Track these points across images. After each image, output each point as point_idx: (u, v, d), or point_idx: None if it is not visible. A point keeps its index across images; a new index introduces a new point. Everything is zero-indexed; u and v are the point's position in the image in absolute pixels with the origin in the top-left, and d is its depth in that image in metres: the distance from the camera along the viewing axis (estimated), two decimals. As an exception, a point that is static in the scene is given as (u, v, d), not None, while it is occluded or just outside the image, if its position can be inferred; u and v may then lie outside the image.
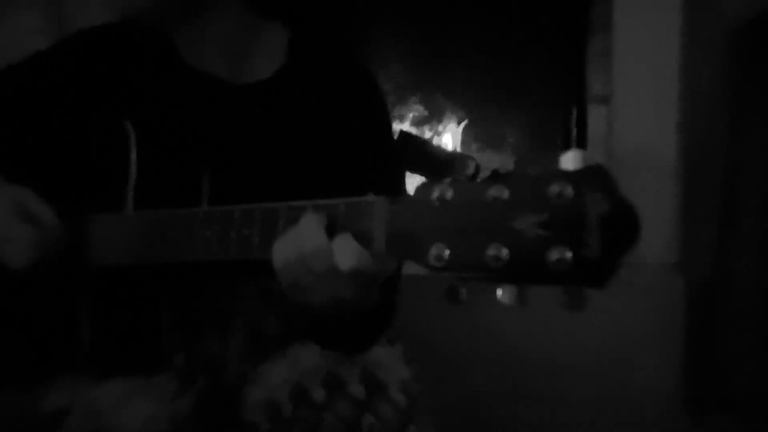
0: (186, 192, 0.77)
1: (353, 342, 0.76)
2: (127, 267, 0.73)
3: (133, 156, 0.75)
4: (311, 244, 0.53)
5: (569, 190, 0.40)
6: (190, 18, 0.77)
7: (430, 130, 2.07)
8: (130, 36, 0.83)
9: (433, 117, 2.06)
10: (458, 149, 2.07)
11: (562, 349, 1.53)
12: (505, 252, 0.42)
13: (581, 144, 1.90)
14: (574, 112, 1.89)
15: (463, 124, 2.03)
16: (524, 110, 2.02)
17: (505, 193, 0.42)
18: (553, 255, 0.40)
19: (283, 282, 0.58)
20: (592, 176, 0.40)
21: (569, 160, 0.42)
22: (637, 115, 1.65)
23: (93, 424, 0.79)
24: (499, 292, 0.44)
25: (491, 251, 0.43)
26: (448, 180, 0.46)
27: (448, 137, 2.05)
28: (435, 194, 0.46)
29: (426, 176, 1.97)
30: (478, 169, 0.45)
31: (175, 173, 0.77)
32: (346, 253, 0.51)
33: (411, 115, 2.04)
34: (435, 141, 2.07)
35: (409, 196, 0.48)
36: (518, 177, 0.43)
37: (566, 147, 1.98)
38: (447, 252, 0.45)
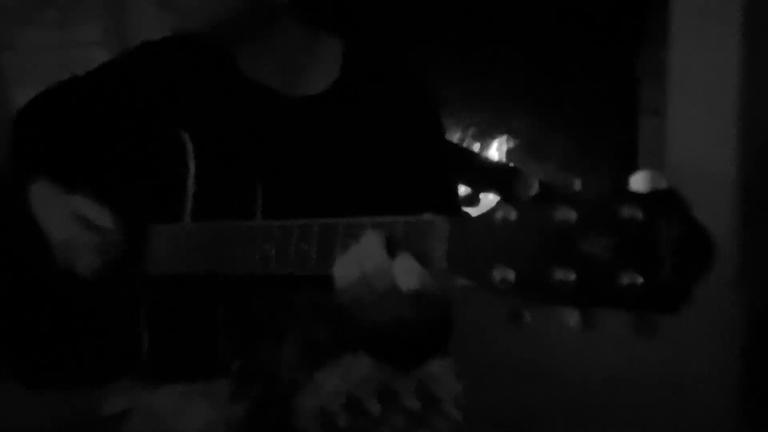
0: (240, 202, 0.78)
1: (410, 358, 0.76)
2: (185, 275, 0.74)
3: (192, 166, 0.77)
4: (372, 263, 0.54)
5: (640, 213, 0.39)
6: (250, 33, 0.79)
7: (478, 141, 2.06)
8: (191, 48, 0.85)
9: (481, 129, 2.05)
10: (505, 161, 2.05)
11: (617, 367, 1.50)
12: (572, 275, 0.41)
13: (632, 156, 1.86)
14: (625, 124, 1.85)
15: (509, 137, 2.01)
16: (572, 122, 1.99)
17: (573, 215, 0.42)
18: (624, 279, 0.39)
19: (344, 299, 0.59)
20: (664, 199, 0.39)
21: (639, 182, 0.41)
22: (694, 126, 1.60)
23: (152, 427, 0.81)
24: (564, 314, 0.43)
25: (558, 274, 0.42)
26: (511, 200, 0.45)
27: (495, 149, 2.04)
28: (498, 215, 0.45)
29: (473, 188, 1.96)
30: (540, 188, 0.44)
31: (231, 183, 0.79)
32: (408, 273, 0.51)
33: (460, 126, 2.04)
34: (482, 152, 2.06)
35: (471, 216, 0.48)
36: (586, 199, 0.42)
37: (616, 159, 1.94)
38: (511, 274, 0.44)
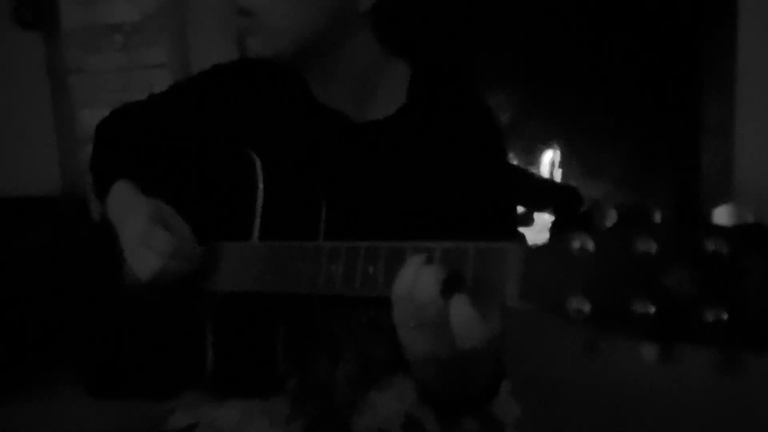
0: (305, 223, 0.78)
1: (457, 404, 0.74)
2: (249, 293, 0.75)
3: (261, 185, 0.78)
4: (425, 297, 0.53)
5: (726, 248, 0.38)
6: (321, 55, 0.79)
7: (531, 156, 2.04)
8: (262, 71, 0.87)
9: (534, 144, 2.03)
10: (559, 178, 2.02)
11: (687, 398, 1.44)
12: (652, 308, 0.41)
13: (694, 174, 1.81)
14: (687, 141, 1.80)
15: (562, 153, 1.98)
16: (630, 138, 1.95)
17: (653, 247, 0.41)
18: (708, 315, 0.38)
19: (394, 319, 0.59)
20: (751, 234, 0.38)
21: (723, 215, 0.40)
22: (764, 144, 1.54)
23: None
24: (642, 348, 0.43)
25: (637, 307, 0.41)
26: (587, 229, 0.45)
27: (548, 165, 2.01)
28: (575, 244, 0.45)
29: (527, 208, 1.94)
30: (619, 218, 0.44)
31: (297, 204, 0.80)
32: (465, 329, 0.51)
33: (513, 141, 2.02)
34: (534, 168, 2.04)
35: (546, 244, 0.47)
36: (667, 230, 0.41)
37: (676, 177, 1.89)
38: (587, 305, 0.43)
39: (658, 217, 0.42)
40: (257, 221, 0.77)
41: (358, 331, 0.82)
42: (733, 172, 1.58)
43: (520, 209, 1.95)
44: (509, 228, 0.88)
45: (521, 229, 1.83)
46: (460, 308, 0.52)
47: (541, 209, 1.93)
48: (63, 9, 2.14)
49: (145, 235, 0.73)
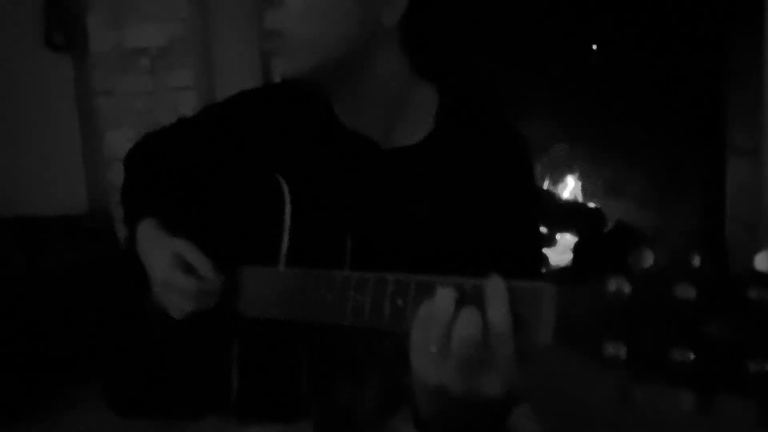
0: (332, 248, 0.78)
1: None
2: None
3: (288, 210, 0.78)
4: (464, 332, 0.53)
5: (768, 296, 0.37)
6: (348, 76, 0.79)
7: (554, 176, 2.03)
8: (289, 96, 0.87)
9: (558, 165, 2.02)
10: (582, 198, 2.01)
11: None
12: (690, 356, 0.40)
13: (720, 195, 1.78)
14: (712, 163, 1.77)
15: (585, 173, 1.97)
16: (653, 160, 1.93)
17: (692, 293, 0.40)
18: (752, 366, 0.37)
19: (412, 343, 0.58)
20: (796, 282, 0.37)
21: (765, 261, 0.39)
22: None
23: None
24: (679, 396, 0.42)
25: (674, 354, 0.40)
26: (624, 272, 0.44)
27: (570, 185, 2.00)
28: (611, 287, 0.44)
29: (550, 229, 1.92)
30: (655, 261, 0.43)
31: (323, 229, 0.79)
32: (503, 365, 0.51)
33: (535, 163, 2.01)
34: (557, 189, 2.02)
35: (581, 286, 0.46)
36: (707, 277, 0.40)
37: (701, 201, 1.86)
38: (624, 350, 0.42)
39: (696, 261, 0.41)
40: (284, 246, 0.77)
41: (382, 355, 0.81)
42: (761, 193, 1.55)
43: (543, 230, 1.93)
44: (535, 254, 0.87)
45: (544, 250, 1.81)
46: (504, 345, 0.51)
47: (564, 230, 1.91)
48: (92, 33, 2.18)
49: (167, 280, 0.78)
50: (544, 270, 0.89)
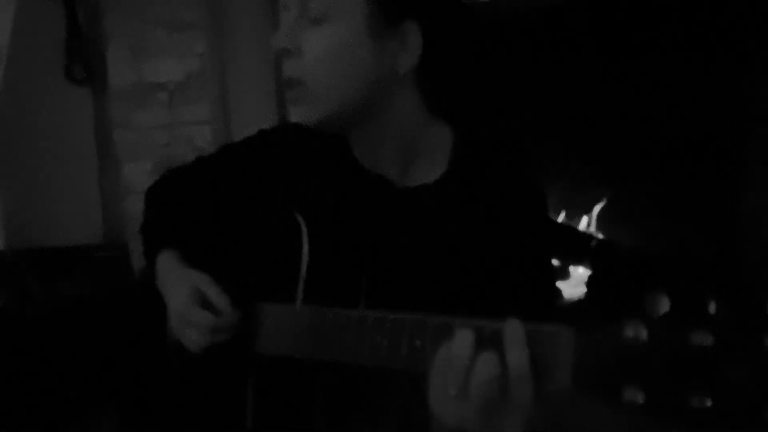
0: (348, 286, 0.79)
1: None
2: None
3: (305, 248, 0.79)
4: (484, 375, 0.54)
5: (786, 344, 0.38)
6: (365, 119, 0.80)
7: (566, 208, 2.03)
8: (306, 135, 0.87)
9: (570, 196, 2.02)
10: (594, 230, 2.00)
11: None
12: (708, 402, 0.40)
13: (733, 228, 1.77)
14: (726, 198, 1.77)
15: (598, 205, 1.97)
16: (666, 191, 1.93)
17: (709, 340, 0.41)
18: (769, 413, 0.38)
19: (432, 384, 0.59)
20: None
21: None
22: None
23: None
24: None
25: (692, 400, 0.41)
26: (641, 317, 0.44)
27: (585, 218, 2.00)
28: (628, 332, 0.45)
29: (562, 262, 1.92)
30: (671, 307, 0.43)
31: (339, 268, 0.80)
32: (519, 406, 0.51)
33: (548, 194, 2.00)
34: (571, 221, 2.02)
35: (599, 330, 0.47)
36: (724, 324, 0.41)
37: (715, 230, 1.86)
38: (642, 395, 0.43)
39: (712, 308, 0.42)
40: (301, 283, 0.78)
41: (398, 392, 0.81)
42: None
43: (556, 262, 1.93)
44: (549, 291, 0.87)
45: (558, 283, 1.81)
46: (523, 388, 0.51)
47: (577, 263, 1.91)
48: (111, 67, 2.23)
49: (185, 314, 0.79)
50: (558, 305, 0.89)
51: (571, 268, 1.92)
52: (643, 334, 0.44)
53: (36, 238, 2.18)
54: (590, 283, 1.89)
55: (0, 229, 2.14)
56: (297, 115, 0.80)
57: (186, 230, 0.92)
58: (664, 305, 0.44)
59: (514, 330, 0.53)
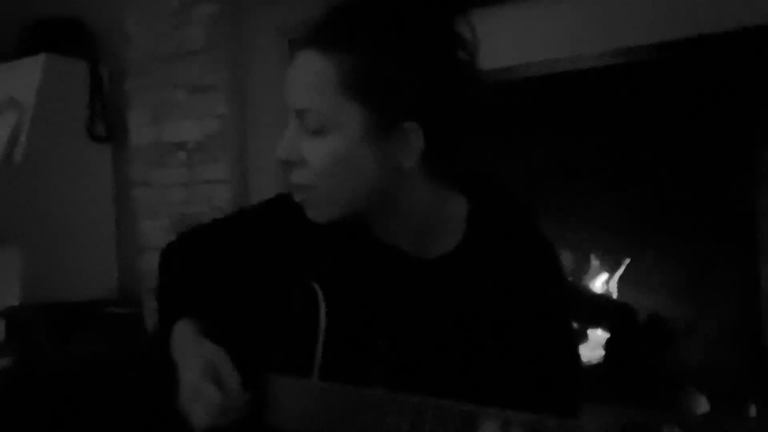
0: (366, 358, 0.78)
1: None
2: None
3: (323, 319, 0.78)
4: None
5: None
6: (377, 208, 0.80)
7: (583, 269, 2.00)
8: None
9: (587, 257, 2.00)
10: (614, 292, 1.97)
11: None
12: None
13: (755, 289, 1.74)
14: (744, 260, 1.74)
15: (616, 267, 1.95)
16: (685, 254, 1.90)
17: (752, 448, 0.39)
18: None
19: None
20: None
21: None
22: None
23: None
24: None
25: None
26: (680, 423, 0.43)
27: (602, 279, 1.97)
28: (665, 435, 0.43)
29: (581, 324, 1.89)
30: (710, 410, 0.42)
31: (358, 339, 0.79)
32: None
33: (564, 255, 1.99)
34: (589, 282, 1.99)
35: (633, 428, 0.46)
36: (764, 428, 0.39)
37: (736, 291, 1.82)
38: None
39: (753, 411, 0.41)
40: (318, 353, 0.77)
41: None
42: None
43: (574, 325, 1.89)
44: (571, 363, 0.85)
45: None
46: None
47: (594, 326, 1.87)
48: (132, 126, 2.28)
49: (196, 390, 0.77)
50: (581, 372, 0.86)
51: (589, 331, 1.89)
52: (682, 437, 0.42)
53: (51, 293, 2.18)
54: (608, 346, 1.85)
55: (16, 284, 2.14)
56: (308, 215, 0.80)
57: (202, 296, 0.91)
58: (702, 406, 0.42)
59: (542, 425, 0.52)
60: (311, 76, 0.74)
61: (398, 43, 0.73)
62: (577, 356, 0.86)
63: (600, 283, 1.96)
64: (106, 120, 2.37)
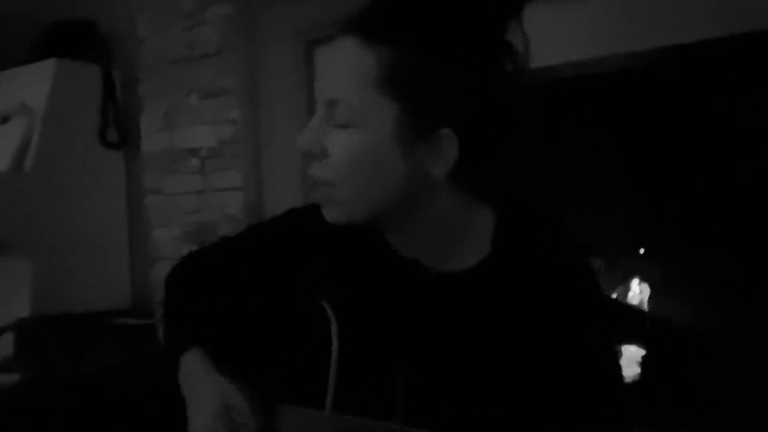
0: (382, 384, 0.73)
1: None
2: None
3: (335, 340, 0.74)
4: None
5: None
6: (399, 216, 0.75)
7: (619, 285, 1.93)
8: None
9: (623, 273, 1.92)
10: (644, 307, 1.89)
11: None
12: None
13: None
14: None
15: (647, 280, 1.87)
16: (723, 264, 1.82)
17: None
18: None
19: None
20: None
21: None
22: None
23: None
24: None
25: None
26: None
27: (638, 294, 1.89)
28: None
29: (616, 340, 1.80)
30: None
31: (373, 363, 0.75)
32: None
33: (598, 265, 1.91)
34: (623, 297, 1.92)
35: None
36: None
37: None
38: None
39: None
40: (331, 379, 0.74)
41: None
42: None
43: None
44: (616, 391, 0.76)
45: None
46: None
47: (630, 342, 1.79)
48: (144, 133, 2.25)
49: (209, 428, 0.75)
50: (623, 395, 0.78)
51: (624, 348, 1.80)
52: None
53: (61, 304, 2.16)
54: (644, 363, 1.76)
55: (25, 295, 2.12)
56: (326, 214, 0.76)
57: (210, 321, 0.87)
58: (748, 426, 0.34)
59: None
60: (348, 65, 0.70)
61: (447, 44, 0.68)
62: (622, 386, 0.78)
63: (634, 294, 1.88)
64: (119, 126, 2.35)
